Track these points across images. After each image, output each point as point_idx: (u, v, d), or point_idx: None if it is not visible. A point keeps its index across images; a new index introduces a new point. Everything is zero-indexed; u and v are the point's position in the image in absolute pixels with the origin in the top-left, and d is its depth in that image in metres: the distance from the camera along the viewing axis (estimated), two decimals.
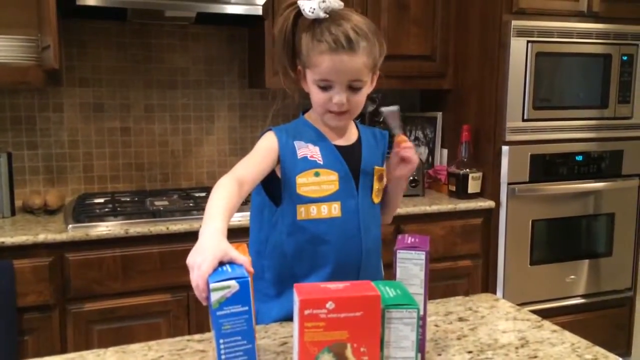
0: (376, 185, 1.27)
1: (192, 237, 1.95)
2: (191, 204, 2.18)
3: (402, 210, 2.25)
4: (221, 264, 0.88)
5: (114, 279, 1.92)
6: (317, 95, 1.18)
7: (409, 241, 1.03)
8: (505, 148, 2.40)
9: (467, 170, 2.44)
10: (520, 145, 2.42)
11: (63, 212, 2.11)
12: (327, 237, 1.20)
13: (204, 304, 0.86)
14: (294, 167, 1.19)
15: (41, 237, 1.82)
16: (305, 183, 1.19)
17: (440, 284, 2.36)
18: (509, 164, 2.40)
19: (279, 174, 1.21)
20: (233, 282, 0.82)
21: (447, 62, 2.60)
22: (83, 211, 2.03)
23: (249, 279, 0.84)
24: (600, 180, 2.55)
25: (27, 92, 2.28)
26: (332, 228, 1.20)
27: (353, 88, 1.17)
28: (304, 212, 1.19)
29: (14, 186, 2.09)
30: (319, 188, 1.19)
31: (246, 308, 0.83)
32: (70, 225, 1.89)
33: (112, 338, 1.93)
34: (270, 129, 1.23)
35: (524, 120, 2.40)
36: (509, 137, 2.40)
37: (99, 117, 2.39)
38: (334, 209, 1.20)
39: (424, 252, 0.99)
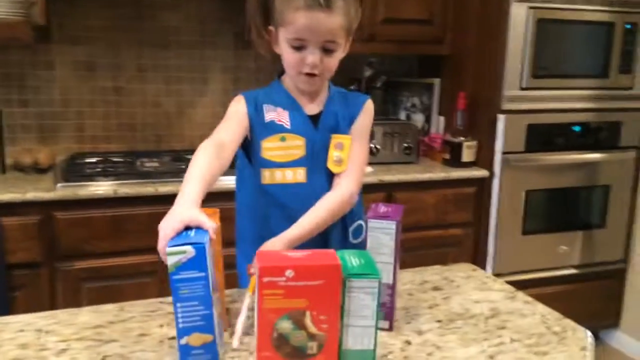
0: (332, 153, 1.21)
1: None
2: (182, 166, 2.17)
3: (393, 177, 2.25)
4: (188, 228, 0.88)
5: (103, 238, 1.93)
6: (289, 56, 1.15)
7: (381, 210, 1.02)
8: (501, 117, 2.37)
9: (462, 138, 2.41)
10: (517, 114, 2.38)
11: (54, 171, 2.11)
12: (291, 203, 1.20)
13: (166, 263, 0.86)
14: (261, 131, 1.20)
15: (30, 196, 1.83)
16: (271, 147, 1.19)
17: (431, 252, 2.37)
18: (505, 133, 2.37)
19: (248, 136, 1.22)
20: (189, 248, 0.82)
21: (445, 27, 2.54)
22: (73, 170, 2.03)
23: (207, 245, 0.83)
24: (597, 151, 2.52)
25: (17, 48, 2.25)
26: (296, 193, 1.20)
27: (327, 50, 1.14)
28: (268, 176, 1.20)
29: (4, 144, 2.09)
30: (284, 153, 1.19)
31: (203, 274, 0.82)
32: (59, 184, 1.90)
33: (101, 296, 1.94)
34: (240, 94, 1.23)
35: (522, 88, 2.36)
36: (506, 105, 2.36)
37: (91, 76, 2.37)
38: (298, 175, 1.20)
39: (394, 222, 0.99)
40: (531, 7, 2.29)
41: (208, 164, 1.04)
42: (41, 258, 1.88)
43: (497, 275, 2.45)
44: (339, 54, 1.17)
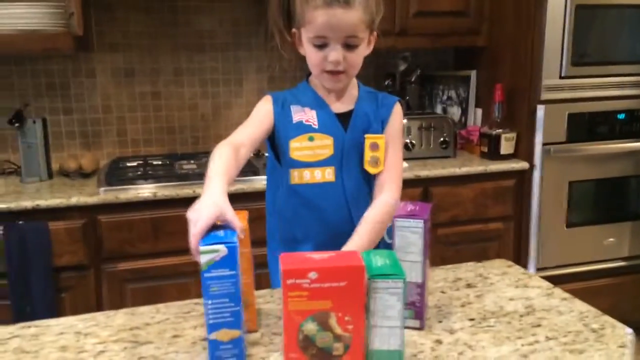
0: (368, 154, 1.21)
1: None
2: None
3: (430, 172, 2.22)
4: (216, 227, 0.90)
5: (144, 240, 1.99)
6: (312, 55, 1.16)
7: (408, 209, 1.01)
8: (541, 107, 2.31)
9: (500, 130, 2.36)
10: (557, 104, 2.32)
11: (97, 175, 2.18)
12: (320, 203, 1.20)
13: (196, 259, 0.88)
14: (288, 131, 1.20)
15: (74, 200, 1.90)
16: (299, 147, 1.20)
17: (470, 247, 2.34)
18: (545, 123, 2.31)
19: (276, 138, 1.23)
20: (222, 247, 0.84)
21: (481, 17, 2.49)
22: (114, 175, 2.10)
23: (238, 244, 0.85)
24: None
25: (60, 58, 2.34)
26: (325, 193, 1.20)
27: (349, 46, 1.13)
28: (297, 177, 1.20)
29: (49, 150, 2.17)
30: (312, 153, 1.19)
31: (234, 272, 0.85)
32: (101, 189, 1.96)
33: (144, 296, 2.01)
34: (268, 94, 1.24)
35: (561, 77, 2.30)
36: (545, 95, 2.30)
37: (130, 81, 2.44)
38: (327, 174, 1.20)
39: (422, 220, 0.98)
40: None
41: (227, 162, 1.06)
42: (87, 260, 1.94)
43: (542, 269, 2.42)
44: (363, 49, 1.17)
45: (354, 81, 1.27)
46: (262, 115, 1.21)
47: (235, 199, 2.09)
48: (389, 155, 1.22)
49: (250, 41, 2.54)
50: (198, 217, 0.89)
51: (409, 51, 2.57)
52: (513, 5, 2.37)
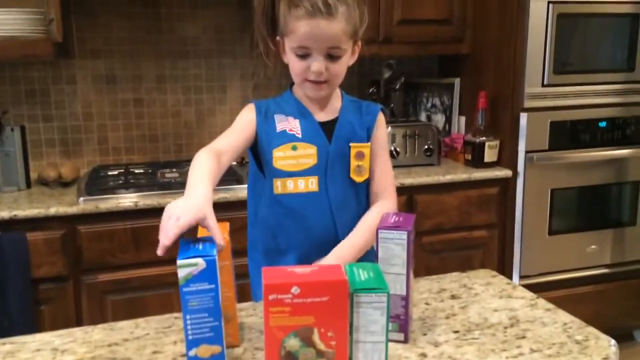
0: (353, 163, 1.22)
1: None
2: None
3: (414, 180, 2.22)
4: (194, 241, 0.89)
5: (125, 250, 1.95)
6: (295, 64, 1.16)
7: (392, 220, 1.00)
8: (523, 115, 2.32)
9: (484, 138, 2.37)
10: (539, 112, 2.33)
11: (77, 184, 2.15)
12: (304, 212, 1.20)
13: (160, 253, 0.88)
14: (271, 140, 1.19)
15: (53, 210, 1.86)
16: (282, 157, 1.19)
17: (455, 254, 2.34)
18: (528, 131, 2.32)
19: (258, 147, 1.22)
20: (200, 260, 0.83)
21: (464, 25, 2.50)
22: (95, 184, 2.06)
23: (216, 257, 0.84)
24: (625, 147, 2.45)
25: (40, 64, 2.30)
26: (309, 203, 1.19)
27: (332, 56, 1.14)
28: (280, 186, 1.20)
29: (28, 159, 2.13)
30: (296, 162, 1.19)
31: (213, 286, 0.84)
32: (81, 198, 1.92)
33: (126, 308, 1.97)
34: (251, 102, 1.24)
35: (543, 85, 2.31)
36: (528, 103, 2.31)
37: (111, 88, 2.40)
38: (311, 184, 1.19)
39: (405, 232, 0.97)
40: (551, 2, 2.24)
41: (210, 168, 1.05)
42: (66, 271, 1.91)
43: (525, 276, 2.42)
44: (345, 60, 1.17)
45: (337, 91, 1.27)
46: (244, 124, 1.20)
47: (219, 207, 2.06)
48: (379, 164, 1.25)
49: (234, 48, 2.52)
50: (180, 214, 0.88)
51: (393, 59, 2.57)
52: (496, 13, 2.38)
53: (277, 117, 1.21)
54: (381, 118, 1.27)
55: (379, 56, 2.45)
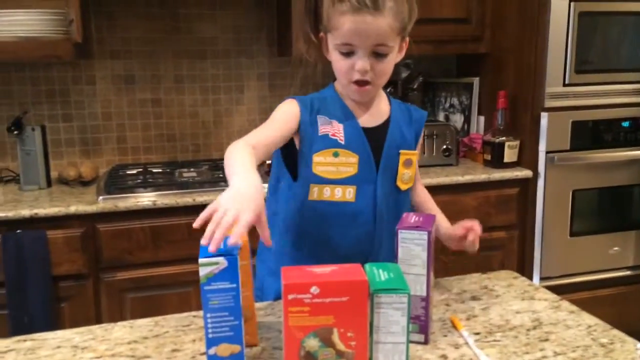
0: (402, 170, 1.18)
1: None
2: (220, 175, 2.19)
3: (432, 180, 2.20)
4: None
5: (143, 249, 1.96)
6: (338, 63, 1.10)
7: (412, 220, 0.99)
8: (544, 115, 2.29)
9: (503, 138, 2.34)
10: (560, 111, 2.29)
11: (96, 183, 2.16)
12: (335, 222, 1.14)
13: (212, 248, 0.80)
14: (312, 143, 1.13)
15: (72, 209, 1.87)
16: (322, 162, 1.12)
17: (474, 256, 2.30)
18: (548, 131, 2.29)
19: (297, 145, 1.15)
20: (221, 259, 0.82)
21: (483, 24, 2.48)
22: (114, 183, 2.08)
23: (238, 256, 0.83)
24: None
25: (60, 65, 2.32)
26: (342, 213, 1.14)
27: (378, 54, 1.07)
28: (316, 193, 1.13)
29: (49, 158, 2.15)
30: (336, 169, 1.13)
31: (234, 285, 0.83)
32: (100, 197, 1.94)
33: (144, 306, 1.98)
34: (292, 98, 1.16)
35: (564, 85, 2.28)
36: (549, 103, 2.28)
37: (130, 88, 2.42)
38: (348, 193, 1.13)
39: (426, 232, 0.96)
40: (572, 0, 2.20)
41: (251, 157, 0.97)
42: (86, 269, 1.92)
43: (546, 278, 2.39)
44: (392, 58, 1.10)
45: (383, 94, 1.22)
46: (288, 117, 1.12)
47: None
48: (416, 164, 1.24)
49: (251, 48, 2.52)
50: (240, 210, 0.81)
51: (411, 58, 2.55)
52: (516, 12, 2.35)
53: (320, 119, 1.14)
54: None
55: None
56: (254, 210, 0.83)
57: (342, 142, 1.13)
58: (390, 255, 1.19)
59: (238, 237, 0.80)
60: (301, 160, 1.14)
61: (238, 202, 0.84)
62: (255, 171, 0.93)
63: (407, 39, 1.14)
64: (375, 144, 1.16)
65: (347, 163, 1.13)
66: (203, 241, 0.82)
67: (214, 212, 0.84)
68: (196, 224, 0.84)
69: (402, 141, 1.19)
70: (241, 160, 0.95)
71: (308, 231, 1.16)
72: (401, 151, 1.17)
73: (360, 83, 1.10)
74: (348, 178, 1.13)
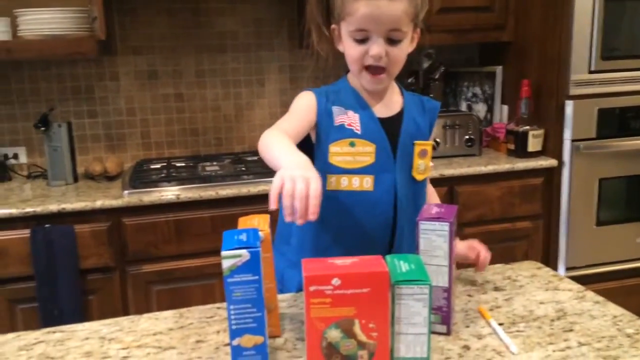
0: (417, 161, 1.17)
1: (240, 201, 2.01)
2: (242, 169, 2.21)
3: (455, 171, 2.19)
4: (238, 232, 0.89)
5: (168, 242, 1.99)
6: (352, 50, 1.10)
7: (433, 211, 0.99)
8: (569, 102, 2.25)
9: (527, 127, 2.31)
10: (586, 99, 2.26)
11: (121, 178, 2.20)
12: (354, 211, 1.14)
13: (300, 221, 0.87)
14: (329, 134, 1.14)
15: (99, 203, 1.91)
16: (339, 152, 1.13)
17: (498, 246, 2.25)
18: (574, 119, 2.26)
19: (313, 138, 1.17)
20: (244, 252, 0.84)
21: (506, 12, 2.44)
22: (138, 177, 2.11)
23: (260, 249, 0.84)
24: None
25: (84, 62, 2.36)
26: (361, 202, 1.14)
27: (392, 40, 1.07)
28: (334, 183, 1.14)
29: (75, 154, 2.19)
30: (352, 159, 1.13)
31: (257, 277, 0.84)
32: (126, 192, 1.97)
33: (170, 298, 2.02)
34: (308, 90, 1.18)
35: (590, 72, 2.24)
36: (574, 90, 2.24)
37: (153, 84, 2.45)
38: (366, 183, 1.13)
39: (447, 223, 0.95)
40: None
41: (289, 139, 1.03)
42: (112, 263, 1.96)
43: (571, 268, 2.36)
44: (406, 45, 1.10)
45: (395, 85, 1.22)
46: (306, 108, 1.14)
47: (257, 200, 2.08)
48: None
49: (272, 41, 2.53)
50: (311, 177, 0.87)
51: (432, 48, 2.53)
52: None
53: (336, 109, 1.15)
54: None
55: (418, 45, 2.41)
56: (318, 178, 0.88)
57: (359, 132, 1.14)
58: (412, 246, 1.20)
59: (317, 209, 0.86)
60: (317, 151, 1.15)
61: (301, 171, 0.88)
62: (296, 149, 0.98)
63: (419, 29, 1.15)
64: (391, 134, 1.16)
65: (364, 152, 1.13)
66: (287, 218, 0.87)
67: (282, 187, 0.87)
68: (272, 204, 0.88)
69: (417, 131, 1.19)
70: (282, 143, 1.00)
71: (329, 222, 1.16)
72: (415, 142, 1.18)
73: (374, 70, 1.11)
74: (365, 167, 1.14)
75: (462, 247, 1.19)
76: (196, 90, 2.49)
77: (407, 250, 1.18)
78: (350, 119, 1.14)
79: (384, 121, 1.16)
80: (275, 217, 1.18)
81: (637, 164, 2.35)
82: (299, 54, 2.56)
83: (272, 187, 0.89)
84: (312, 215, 0.86)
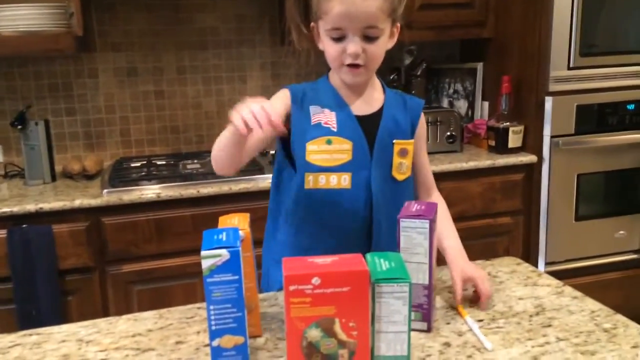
0: (397, 160, 1.17)
1: (222, 199, 1.99)
2: None
3: (437, 167, 2.19)
4: (218, 231, 0.89)
5: (149, 241, 1.97)
6: (330, 48, 1.10)
7: (414, 209, 0.99)
8: (549, 99, 2.27)
9: (508, 123, 2.33)
10: (565, 95, 2.28)
11: (101, 177, 2.17)
12: (333, 209, 1.14)
13: (265, 129, 0.95)
14: (305, 132, 1.13)
15: (77, 203, 1.88)
16: (316, 150, 1.13)
17: (478, 242, 2.30)
18: (553, 115, 2.28)
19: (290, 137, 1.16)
20: (224, 251, 0.83)
21: (487, 8, 2.45)
22: (118, 176, 2.08)
23: (240, 248, 0.84)
24: None
25: (62, 59, 2.32)
26: (339, 200, 1.14)
27: (369, 37, 1.07)
28: (312, 181, 1.14)
29: (53, 152, 2.16)
30: (330, 157, 1.13)
31: (237, 277, 0.84)
32: (105, 190, 1.94)
33: (150, 298, 2.00)
34: (285, 87, 1.18)
35: (569, 68, 2.26)
36: (553, 87, 2.26)
37: (133, 81, 2.42)
38: (343, 180, 1.13)
39: (428, 221, 0.95)
40: None
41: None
42: (92, 263, 1.93)
43: (551, 263, 2.38)
44: (384, 41, 1.10)
45: (377, 82, 1.21)
46: (278, 110, 1.12)
47: (240, 198, 2.07)
48: (423, 157, 1.25)
49: (253, 38, 2.51)
50: (262, 101, 0.96)
51: (414, 44, 2.54)
52: None
53: (313, 108, 1.15)
54: (422, 112, 1.24)
55: (399, 42, 2.41)
56: (270, 103, 0.96)
57: (335, 129, 1.13)
58: (392, 244, 1.18)
59: (278, 120, 0.94)
60: (295, 150, 1.15)
61: (251, 101, 0.97)
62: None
63: (398, 24, 1.14)
64: (369, 132, 1.15)
65: (341, 150, 1.13)
66: (249, 129, 0.96)
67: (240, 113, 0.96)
68: (241, 125, 0.97)
69: (396, 129, 1.18)
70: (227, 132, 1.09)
71: (308, 219, 1.16)
72: (395, 141, 1.17)
73: (352, 66, 1.11)
74: (343, 165, 1.13)
75: (461, 274, 1.10)
76: (177, 87, 2.47)
77: (386, 248, 1.17)
78: (326, 117, 1.14)
79: (362, 119, 1.16)
80: (257, 216, 1.18)
81: (614, 160, 2.38)
82: (281, 51, 2.55)
83: (234, 117, 0.98)
84: (278, 127, 0.94)
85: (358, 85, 1.17)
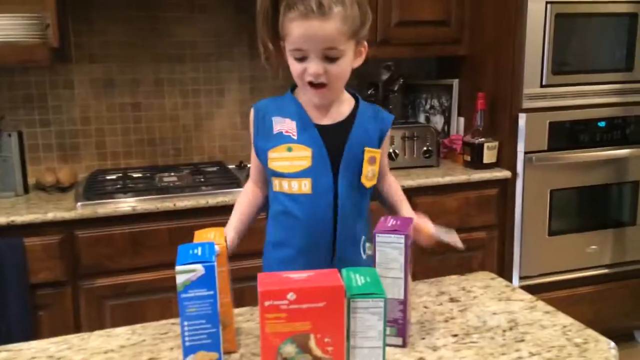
0: (366, 167, 1.20)
1: (199, 213, 1.98)
2: (201, 179, 2.19)
3: (413, 182, 2.21)
4: (193, 246, 0.89)
5: (123, 255, 1.95)
6: (293, 67, 1.15)
7: (389, 224, 1.00)
8: (522, 115, 2.31)
9: (483, 139, 2.36)
10: (538, 112, 2.32)
11: (75, 189, 2.14)
12: (297, 212, 1.19)
13: None
14: (268, 141, 1.20)
15: (50, 216, 1.85)
16: (277, 158, 1.19)
17: (454, 256, 2.32)
18: (527, 132, 2.32)
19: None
20: (199, 266, 0.83)
21: (462, 26, 2.50)
22: (93, 189, 2.06)
23: (215, 264, 0.84)
24: (625, 146, 2.44)
25: (37, 69, 2.29)
26: (301, 205, 1.18)
27: (330, 58, 1.11)
28: (277, 185, 1.21)
29: (26, 164, 2.13)
30: (290, 164, 1.18)
31: (211, 292, 0.84)
32: (79, 203, 1.92)
33: (124, 313, 1.97)
34: (252, 106, 1.25)
35: (542, 86, 2.31)
36: (527, 104, 2.31)
37: (109, 93, 2.40)
38: (304, 186, 1.17)
39: (403, 236, 0.96)
40: (549, 2, 2.23)
41: (241, 204, 1.26)
42: (64, 277, 1.90)
43: (525, 277, 2.41)
44: (345, 61, 1.14)
45: (346, 96, 1.24)
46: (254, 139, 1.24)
47: (217, 211, 2.06)
48: (384, 154, 1.29)
49: (231, 51, 2.52)
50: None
51: (391, 60, 2.57)
52: (494, 14, 2.38)
53: (275, 119, 1.20)
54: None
55: (377, 58, 2.45)
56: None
57: (295, 137, 1.18)
58: (356, 250, 1.25)
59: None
60: (260, 157, 1.22)
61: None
62: (233, 229, 1.20)
63: (365, 44, 1.18)
64: (331, 141, 1.19)
65: (301, 157, 1.18)
66: None
67: None
68: None
69: (366, 138, 1.22)
70: (232, 215, 1.24)
71: (279, 220, 1.23)
72: (366, 148, 1.21)
73: (316, 86, 1.15)
74: (302, 171, 1.18)
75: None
76: (154, 100, 2.46)
77: (351, 253, 1.22)
78: (287, 126, 1.20)
79: (324, 128, 1.20)
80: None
81: (586, 176, 2.43)
82: (260, 65, 2.54)
83: None
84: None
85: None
